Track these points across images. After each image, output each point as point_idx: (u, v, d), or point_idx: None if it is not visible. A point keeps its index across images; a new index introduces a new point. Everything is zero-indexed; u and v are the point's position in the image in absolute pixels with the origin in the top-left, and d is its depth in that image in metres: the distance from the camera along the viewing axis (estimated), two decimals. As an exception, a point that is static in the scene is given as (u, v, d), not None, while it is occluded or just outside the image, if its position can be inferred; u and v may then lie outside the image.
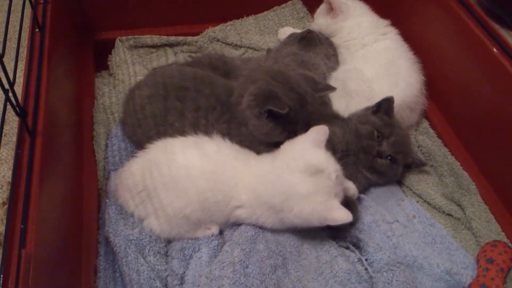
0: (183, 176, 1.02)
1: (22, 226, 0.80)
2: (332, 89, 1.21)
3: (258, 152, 1.11)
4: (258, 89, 1.09)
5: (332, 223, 0.96)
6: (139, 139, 1.18)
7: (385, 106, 1.24)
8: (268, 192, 1.00)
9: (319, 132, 1.03)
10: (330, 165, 1.00)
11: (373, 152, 1.19)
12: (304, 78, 1.16)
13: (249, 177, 1.03)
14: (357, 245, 1.08)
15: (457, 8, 1.34)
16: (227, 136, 1.10)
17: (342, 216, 0.95)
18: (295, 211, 0.97)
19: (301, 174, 0.97)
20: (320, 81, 1.25)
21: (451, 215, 1.24)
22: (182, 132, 1.11)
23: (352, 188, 1.15)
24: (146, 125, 1.16)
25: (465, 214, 1.22)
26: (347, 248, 1.08)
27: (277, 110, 1.04)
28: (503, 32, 1.30)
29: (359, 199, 1.18)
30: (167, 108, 1.14)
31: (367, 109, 1.27)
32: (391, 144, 1.19)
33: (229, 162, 1.04)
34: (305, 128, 1.10)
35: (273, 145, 1.11)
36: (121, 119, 1.28)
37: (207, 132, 1.10)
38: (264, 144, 1.13)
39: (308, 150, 1.01)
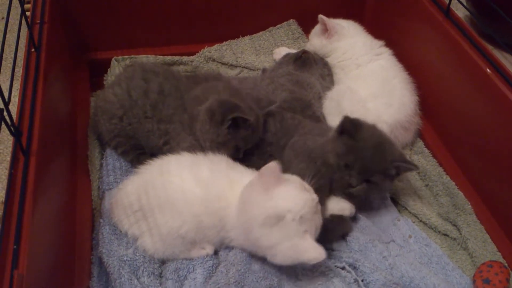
0: (179, 198, 1.02)
1: (14, 246, 0.79)
2: (274, 103, 1.24)
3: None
4: (222, 99, 1.14)
5: (307, 263, 0.95)
6: (103, 125, 1.27)
7: (346, 128, 1.13)
8: (243, 238, 1.00)
9: (268, 173, 0.96)
10: (292, 206, 0.93)
11: (344, 184, 1.14)
12: (251, 98, 1.22)
13: (233, 214, 1.01)
14: (353, 266, 1.07)
15: (451, 29, 1.36)
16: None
17: (314, 255, 0.92)
18: (269, 258, 0.97)
19: (262, 228, 0.94)
20: (262, 97, 1.29)
21: (447, 235, 1.23)
22: (145, 112, 1.21)
23: (347, 208, 1.14)
24: (110, 108, 1.24)
25: (461, 234, 1.22)
26: (343, 268, 1.07)
27: (244, 117, 1.10)
28: (496, 53, 1.31)
29: (355, 218, 1.18)
30: (131, 86, 1.23)
31: (335, 129, 1.16)
32: (359, 173, 1.12)
33: (220, 192, 1.03)
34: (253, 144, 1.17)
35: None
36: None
37: (164, 113, 1.20)
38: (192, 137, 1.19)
39: (262, 199, 0.95)
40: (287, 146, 1.20)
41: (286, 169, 1.13)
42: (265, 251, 0.97)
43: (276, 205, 0.94)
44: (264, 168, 0.96)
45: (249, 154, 1.20)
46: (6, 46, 0.98)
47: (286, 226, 0.93)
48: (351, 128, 1.13)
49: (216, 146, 1.14)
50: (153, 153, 1.22)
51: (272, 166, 0.96)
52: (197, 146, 1.17)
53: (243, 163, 1.13)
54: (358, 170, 1.11)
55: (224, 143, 1.14)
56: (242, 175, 1.07)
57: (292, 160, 1.15)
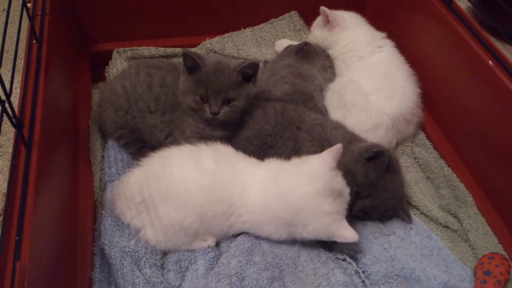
0: (181, 189, 1.02)
1: (17, 238, 0.79)
2: (254, 62, 1.22)
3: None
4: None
5: (339, 240, 0.99)
6: (108, 116, 1.28)
7: (380, 160, 1.12)
8: (283, 209, 1.00)
9: (336, 153, 1.03)
10: (347, 189, 1.03)
11: None
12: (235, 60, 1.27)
13: (253, 194, 1.02)
14: (354, 257, 1.08)
15: (453, 21, 1.35)
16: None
17: (350, 235, 0.98)
18: (312, 227, 0.99)
19: (318, 195, 0.98)
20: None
21: (448, 227, 1.24)
22: (148, 107, 1.24)
23: None
24: (117, 100, 1.26)
25: (462, 226, 1.22)
26: (344, 260, 1.08)
27: (190, 54, 1.13)
28: (498, 45, 1.30)
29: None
30: (137, 81, 1.26)
31: (366, 150, 1.14)
32: (366, 205, 1.14)
33: (226, 179, 1.04)
34: (217, 98, 1.15)
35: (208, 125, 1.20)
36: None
37: (168, 103, 1.23)
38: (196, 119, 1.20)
39: (330, 174, 1.01)
40: (305, 129, 1.22)
41: (298, 149, 1.18)
42: (300, 220, 0.99)
43: (341, 184, 1.02)
44: (331, 148, 1.03)
45: (248, 144, 1.21)
46: (7, 38, 0.98)
47: (342, 203, 1.01)
48: (383, 163, 1.12)
49: (184, 98, 1.18)
50: (155, 147, 1.22)
51: (339, 146, 1.03)
52: (201, 132, 1.19)
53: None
54: (366, 204, 1.14)
55: (188, 90, 1.17)
56: (246, 163, 1.09)
57: (305, 142, 1.20)
